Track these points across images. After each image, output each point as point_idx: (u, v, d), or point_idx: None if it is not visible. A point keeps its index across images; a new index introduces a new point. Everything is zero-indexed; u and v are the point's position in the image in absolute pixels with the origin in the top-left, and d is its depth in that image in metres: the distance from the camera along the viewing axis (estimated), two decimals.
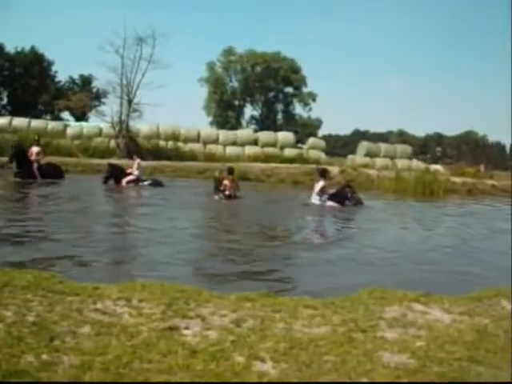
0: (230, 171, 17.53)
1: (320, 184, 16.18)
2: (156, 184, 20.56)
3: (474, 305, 5.96)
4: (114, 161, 23.91)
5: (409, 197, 21.67)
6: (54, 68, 75.74)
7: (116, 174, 20.14)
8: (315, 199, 16.15)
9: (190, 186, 20.93)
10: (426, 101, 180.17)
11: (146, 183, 20.52)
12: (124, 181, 20.18)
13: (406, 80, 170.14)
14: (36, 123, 34.67)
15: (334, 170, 26.31)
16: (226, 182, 17.09)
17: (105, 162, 23.39)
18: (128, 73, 32.23)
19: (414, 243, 10.73)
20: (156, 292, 5.57)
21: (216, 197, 17.16)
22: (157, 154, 30.92)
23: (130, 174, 20.46)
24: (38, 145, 21.98)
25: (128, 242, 9.63)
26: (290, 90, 73.87)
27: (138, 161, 21.16)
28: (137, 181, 20.41)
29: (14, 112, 53.73)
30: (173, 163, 28.20)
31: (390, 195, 21.40)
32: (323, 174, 16.65)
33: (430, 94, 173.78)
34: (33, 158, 21.15)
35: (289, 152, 34.40)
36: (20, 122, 34.33)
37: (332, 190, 16.78)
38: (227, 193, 16.98)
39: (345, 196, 16.54)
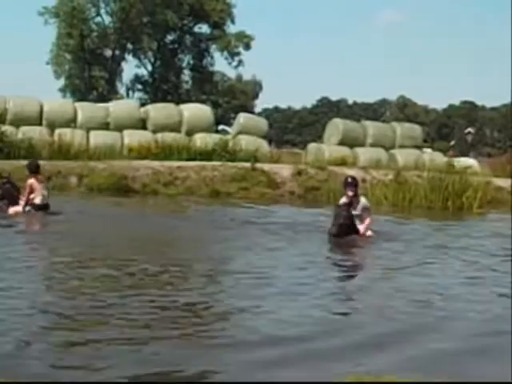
0: (34, 167, 15.76)
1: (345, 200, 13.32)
2: None
3: None
4: None
5: (419, 213, 19.19)
6: None
7: None
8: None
9: None
10: (444, 44, 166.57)
11: None
12: None
13: (408, 9, 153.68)
14: None
15: (283, 171, 23.80)
16: (32, 182, 15.19)
17: None
18: None
19: None
20: None
21: (11, 209, 15.19)
22: None
23: None
24: None
25: None
26: (203, 29, 61.30)
27: None
28: None
29: None
30: None
31: (386, 210, 18.48)
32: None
33: (450, 32, 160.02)
34: None
35: (203, 140, 28.22)
36: None
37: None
38: (37, 201, 15.04)
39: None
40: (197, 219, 16.59)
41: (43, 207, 15.27)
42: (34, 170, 15.77)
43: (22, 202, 15.40)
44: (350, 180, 13.43)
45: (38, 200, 15.25)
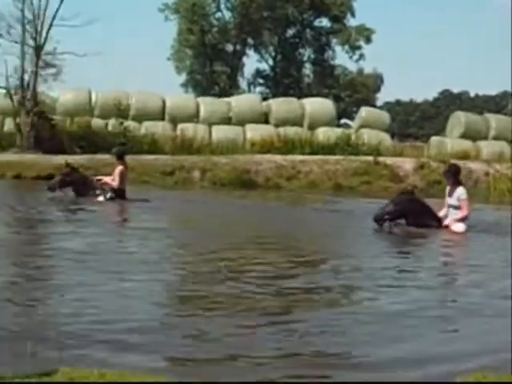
0: (121, 153, 15.89)
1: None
2: None
3: None
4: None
5: None
6: None
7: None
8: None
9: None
10: None
11: None
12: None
13: None
14: None
15: (406, 164, 23.76)
16: (122, 168, 15.22)
17: None
18: None
19: None
20: None
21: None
22: (89, 141, 25.10)
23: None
24: None
25: None
26: (324, 22, 59.03)
27: None
28: None
29: None
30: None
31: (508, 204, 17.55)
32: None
33: None
34: None
35: (325, 134, 28.07)
36: None
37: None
38: (115, 184, 15.01)
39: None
40: (325, 213, 16.14)
41: (122, 192, 15.42)
42: (121, 157, 15.95)
43: (107, 185, 15.39)
44: (446, 169, 13.20)
45: (118, 185, 15.48)
